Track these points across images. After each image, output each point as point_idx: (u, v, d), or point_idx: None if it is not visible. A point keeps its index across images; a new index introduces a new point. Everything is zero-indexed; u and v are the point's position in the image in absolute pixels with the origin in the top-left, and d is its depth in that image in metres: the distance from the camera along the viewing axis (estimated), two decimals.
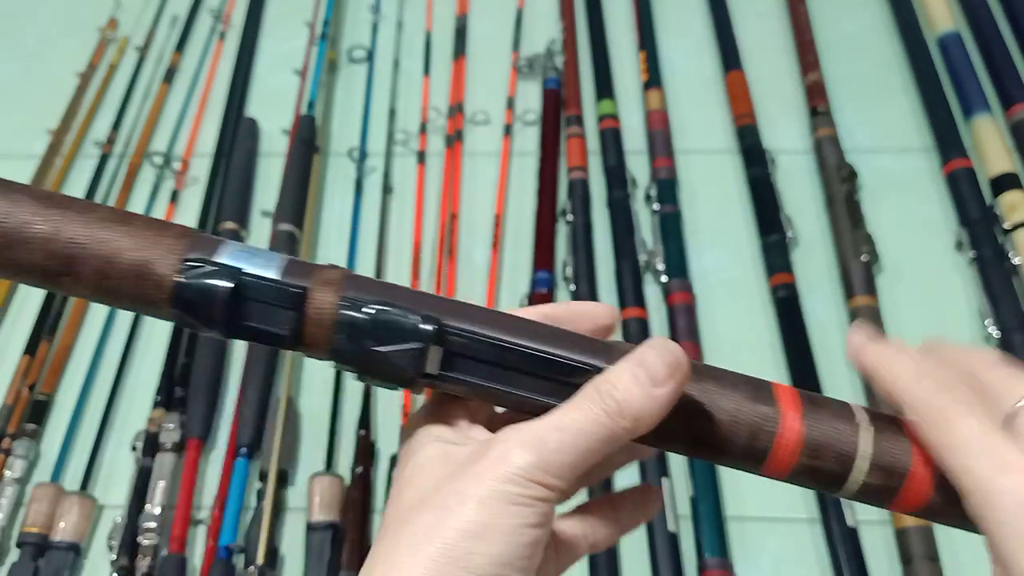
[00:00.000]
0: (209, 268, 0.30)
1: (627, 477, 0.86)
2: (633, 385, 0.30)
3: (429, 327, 0.31)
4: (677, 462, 0.87)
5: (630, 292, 0.97)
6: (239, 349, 0.97)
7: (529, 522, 0.29)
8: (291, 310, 0.31)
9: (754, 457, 0.32)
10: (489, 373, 0.32)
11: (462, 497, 0.29)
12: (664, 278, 0.98)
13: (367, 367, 0.31)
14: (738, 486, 0.86)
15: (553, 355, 0.32)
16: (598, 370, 0.31)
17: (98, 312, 1.01)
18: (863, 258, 0.96)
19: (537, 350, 0.32)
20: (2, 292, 1.02)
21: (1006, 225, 0.96)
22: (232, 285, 0.30)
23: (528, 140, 1.13)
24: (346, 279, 0.32)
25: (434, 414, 0.34)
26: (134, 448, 0.89)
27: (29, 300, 1.02)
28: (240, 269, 0.30)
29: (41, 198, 0.30)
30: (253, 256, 0.31)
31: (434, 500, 0.29)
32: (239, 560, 0.82)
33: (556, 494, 0.30)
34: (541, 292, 0.98)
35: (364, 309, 0.31)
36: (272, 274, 0.31)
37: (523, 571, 0.29)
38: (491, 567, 0.28)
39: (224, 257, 0.31)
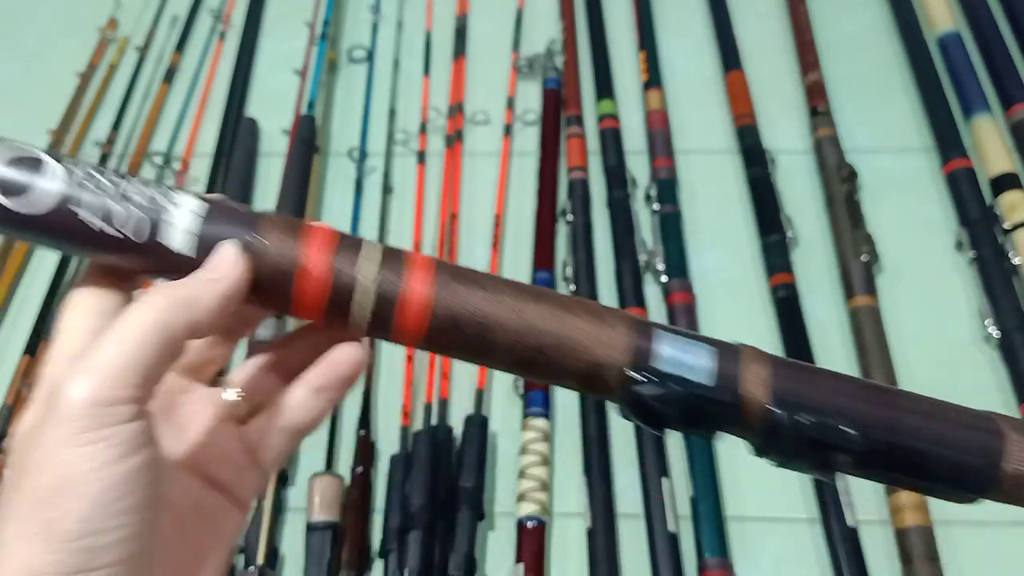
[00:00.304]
0: (655, 389, 0.32)
1: (628, 476, 0.86)
2: (184, 282, 0.30)
3: (858, 443, 0.32)
4: (677, 462, 0.87)
5: (630, 292, 0.97)
6: (239, 349, 0.97)
7: (108, 458, 0.26)
8: (729, 412, 0.33)
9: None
10: (895, 467, 0.33)
11: (37, 466, 0.26)
12: (664, 278, 0.98)
13: (792, 460, 0.33)
14: (738, 486, 0.86)
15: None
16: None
17: None
18: (863, 258, 0.96)
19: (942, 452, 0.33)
20: (2, 292, 1.02)
21: (1006, 225, 0.96)
22: (674, 410, 0.33)
23: (528, 140, 1.13)
24: (774, 375, 0.33)
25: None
26: None
27: (29, 300, 1.02)
28: (680, 379, 0.32)
29: (521, 291, 0.33)
30: (685, 354, 0.33)
31: (20, 480, 0.27)
32: (239, 560, 0.82)
33: (131, 407, 0.27)
34: None
35: (799, 420, 0.32)
36: (707, 380, 0.33)
37: (127, 512, 0.26)
38: (86, 523, 0.25)
39: (664, 362, 0.33)
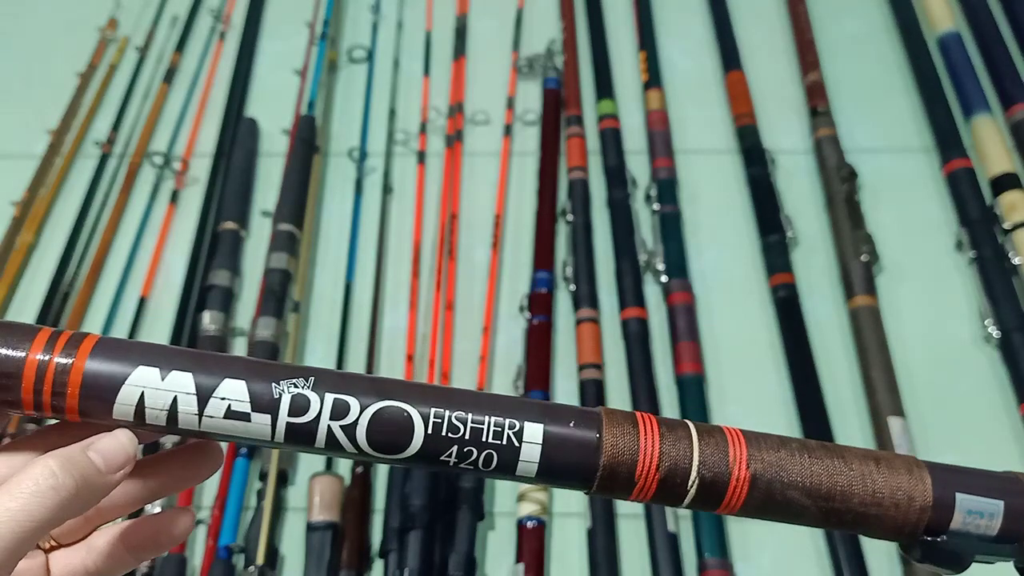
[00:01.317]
0: (945, 550, 0.35)
1: None
2: (87, 467, 0.30)
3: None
4: None
5: (630, 292, 0.97)
6: (239, 349, 0.97)
7: None
8: (1003, 552, 0.35)
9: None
10: None
11: None
12: (664, 278, 0.98)
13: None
14: None
15: None
16: None
17: (98, 312, 1.01)
18: (863, 258, 0.96)
19: None
20: (2, 292, 1.02)
21: (1006, 225, 0.96)
22: (962, 561, 0.35)
23: (528, 140, 1.13)
24: None
25: None
26: None
27: (29, 300, 1.02)
28: (967, 537, 0.35)
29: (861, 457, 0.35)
30: (979, 514, 0.35)
31: None
32: (239, 560, 0.82)
33: None
34: (541, 292, 0.98)
35: None
36: (993, 531, 0.35)
37: None
38: None
39: (959, 521, 0.35)
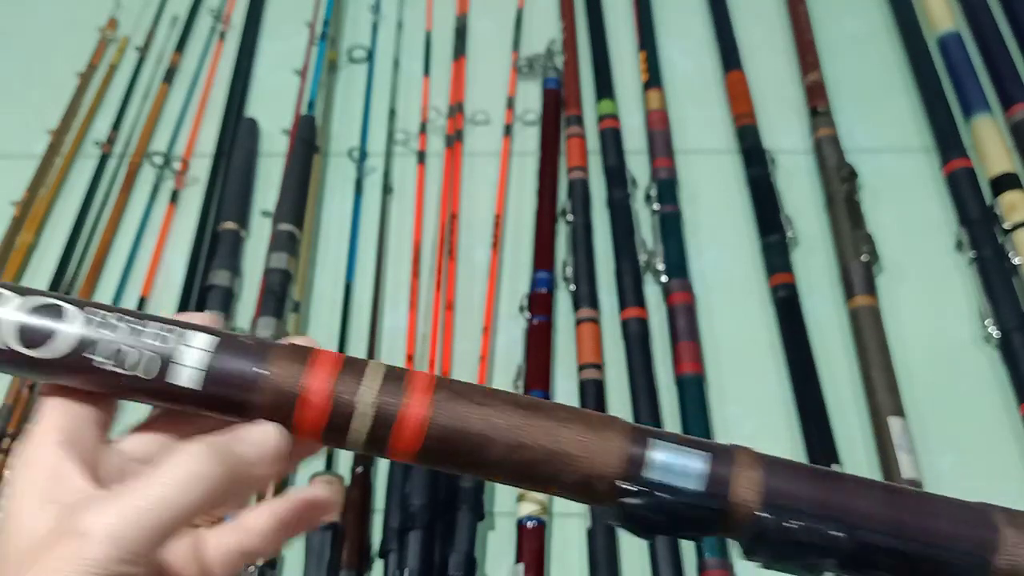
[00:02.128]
0: (644, 499, 0.33)
1: None
2: (241, 461, 0.31)
3: (845, 545, 0.33)
4: None
5: (630, 292, 0.97)
6: None
7: None
8: (717, 518, 0.33)
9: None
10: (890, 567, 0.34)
11: None
12: (664, 278, 0.98)
13: (780, 563, 0.34)
14: None
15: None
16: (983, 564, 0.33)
17: None
18: (863, 258, 0.96)
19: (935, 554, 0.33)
20: None
21: (1006, 225, 0.96)
22: (662, 519, 0.33)
23: (528, 140, 1.13)
24: (766, 479, 0.33)
25: (65, 422, 0.32)
26: None
27: None
28: (670, 487, 0.33)
29: (516, 407, 0.34)
30: (677, 462, 0.34)
31: None
32: None
33: (146, 562, 0.29)
34: (541, 292, 0.98)
35: (785, 524, 0.33)
36: (697, 487, 0.33)
37: None
38: None
39: (655, 471, 0.33)
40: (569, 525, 0.85)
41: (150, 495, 0.29)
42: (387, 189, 1.09)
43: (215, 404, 0.33)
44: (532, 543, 0.82)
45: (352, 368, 0.34)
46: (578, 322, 0.95)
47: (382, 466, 0.88)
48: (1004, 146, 1.02)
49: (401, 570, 0.78)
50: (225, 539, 0.34)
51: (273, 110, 1.17)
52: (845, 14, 1.22)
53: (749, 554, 0.34)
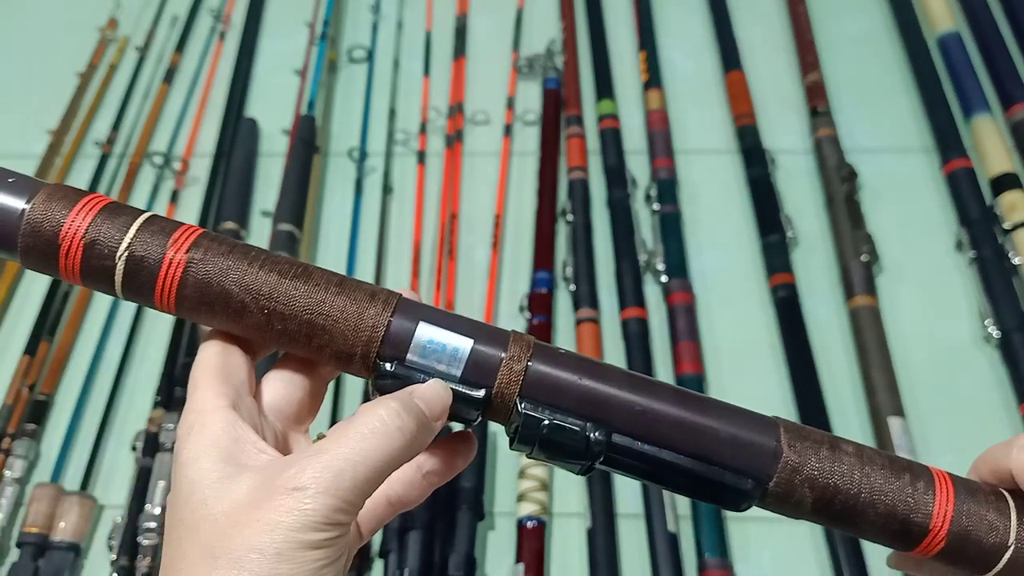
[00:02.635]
0: (395, 381, 0.33)
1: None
2: (419, 421, 0.32)
3: (598, 446, 0.33)
4: None
5: (630, 292, 0.97)
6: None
7: (329, 561, 0.29)
8: (476, 409, 0.34)
9: (904, 538, 0.33)
10: (644, 473, 0.34)
11: (260, 553, 0.28)
12: (664, 278, 0.98)
13: (541, 454, 0.34)
14: None
15: (711, 473, 0.33)
16: (757, 485, 0.33)
17: (98, 312, 1.01)
18: (863, 258, 0.96)
19: (695, 469, 0.33)
20: (2, 292, 1.02)
21: (1006, 225, 0.96)
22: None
23: (528, 140, 1.13)
24: (525, 381, 0.33)
25: (223, 388, 0.33)
26: (134, 448, 0.89)
27: (29, 300, 1.02)
28: (428, 369, 0.33)
29: (283, 265, 0.34)
30: (440, 343, 0.34)
31: (228, 554, 0.29)
32: None
33: (350, 521, 0.30)
34: (541, 292, 0.98)
35: (543, 424, 0.33)
36: (456, 371, 0.33)
37: None
38: None
39: (416, 350, 0.33)
40: (569, 525, 0.85)
41: (356, 449, 0.30)
42: (387, 189, 1.09)
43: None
44: (532, 543, 0.82)
45: (117, 214, 0.33)
46: (578, 322, 0.95)
47: None
48: (1004, 146, 1.02)
49: (401, 570, 0.78)
50: (376, 494, 0.35)
51: (273, 110, 1.17)
52: (845, 14, 1.22)
53: (511, 445, 0.34)
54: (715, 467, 0.33)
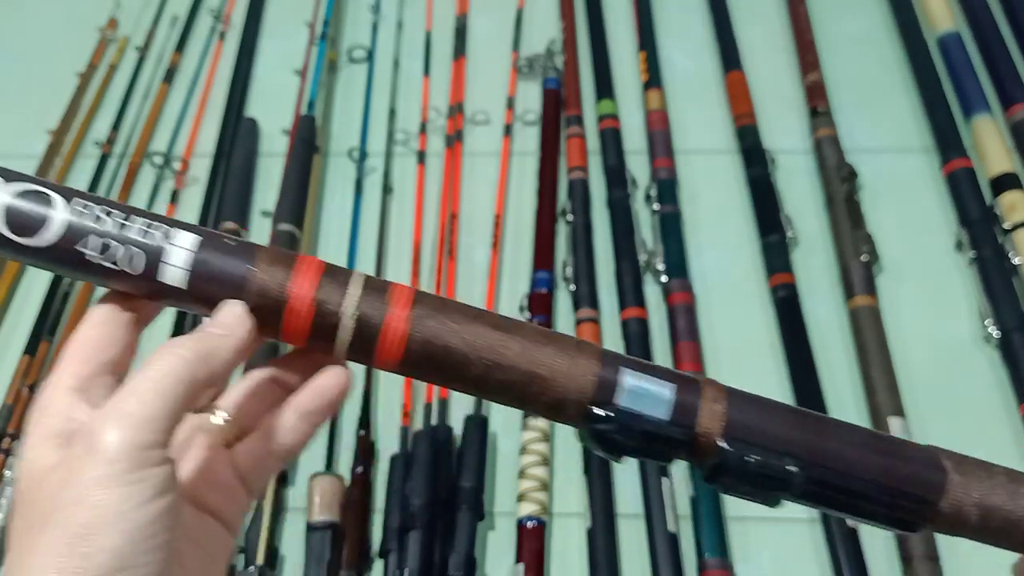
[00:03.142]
0: (614, 424, 0.35)
1: (628, 476, 0.86)
2: (199, 335, 0.32)
3: (798, 479, 0.35)
4: (677, 462, 0.87)
5: (630, 292, 0.97)
6: None
7: (142, 499, 0.28)
8: (682, 446, 0.36)
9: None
10: (839, 504, 0.36)
11: (73, 504, 0.28)
12: (664, 278, 0.98)
13: (741, 489, 0.36)
14: None
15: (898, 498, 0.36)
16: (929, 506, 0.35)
17: None
18: (863, 258, 0.96)
19: (883, 497, 0.36)
20: (2, 292, 1.02)
21: (1006, 225, 0.96)
22: (630, 442, 0.35)
23: (528, 140, 1.13)
24: (727, 423, 0.35)
25: (79, 367, 0.32)
26: None
27: (29, 300, 1.02)
28: (637, 415, 0.35)
29: (496, 325, 0.35)
30: (646, 391, 0.35)
31: (53, 516, 0.28)
32: (239, 560, 0.82)
33: (159, 451, 0.29)
34: (541, 292, 0.98)
35: (747, 460, 0.35)
36: (663, 415, 0.35)
37: (156, 549, 0.28)
38: (118, 559, 0.27)
39: (625, 397, 0.35)
40: (569, 525, 0.85)
41: (140, 387, 0.30)
42: (387, 189, 1.09)
43: (201, 301, 0.34)
44: (532, 543, 0.82)
45: (334, 274, 0.34)
46: (578, 322, 0.95)
47: (382, 466, 0.88)
48: (1004, 146, 1.02)
49: (401, 570, 0.78)
50: (253, 446, 0.36)
51: (273, 110, 1.17)
52: (845, 14, 1.22)
53: (709, 481, 0.36)
54: (901, 493, 0.36)
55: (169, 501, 0.29)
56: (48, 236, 0.33)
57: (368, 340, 0.34)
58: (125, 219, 0.33)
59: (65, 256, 0.33)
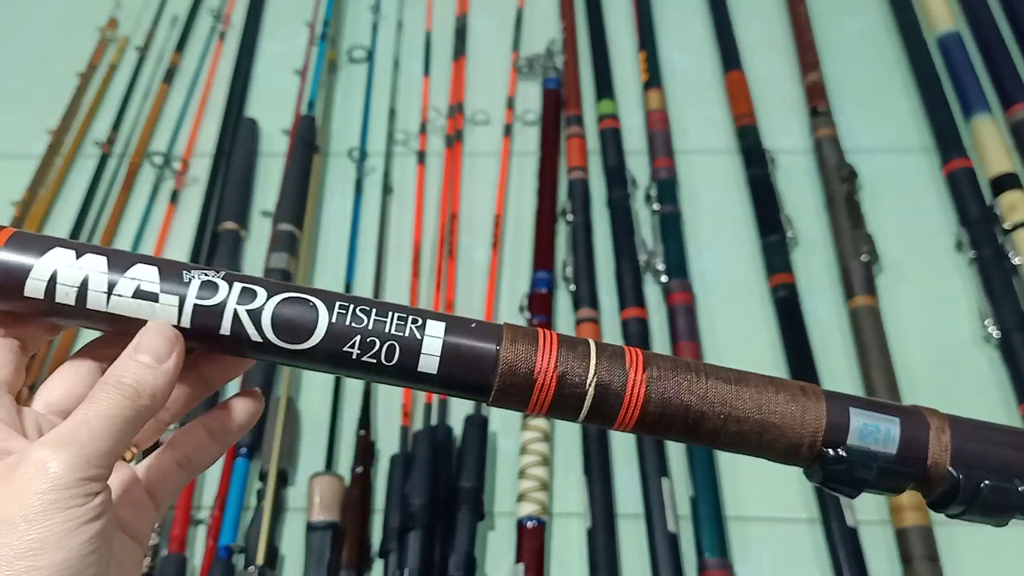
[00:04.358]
0: (846, 463, 0.36)
1: (628, 476, 0.86)
2: (140, 368, 0.33)
3: None
4: (677, 462, 0.87)
5: (630, 292, 0.97)
6: None
7: (84, 519, 0.30)
8: (913, 477, 0.36)
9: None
10: None
11: (10, 522, 0.29)
12: (664, 278, 0.98)
13: (976, 513, 0.37)
14: (738, 486, 0.86)
15: None
16: None
17: None
18: (863, 258, 0.96)
19: None
20: None
21: (1006, 225, 0.96)
22: (863, 479, 0.36)
23: (528, 140, 1.13)
24: (953, 451, 0.37)
25: None
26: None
27: None
28: (869, 453, 0.36)
29: (724, 379, 0.36)
30: (874, 429, 0.36)
31: (2, 530, 0.29)
32: (239, 560, 0.82)
33: (102, 482, 0.31)
34: (541, 292, 0.98)
35: (982, 486, 0.36)
36: (892, 450, 0.36)
37: (95, 564, 0.30)
38: (62, 573, 0.29)
39: (854, 436, 0.36)
40: (569, 525, 0.85)
41: (87, 409, 0.32)
42: (387, 189, 1.09)
43: (453, 386, 0.35)
44: (532, 543, 0.82)
45: (572, 345, 0.36)
46: (578, 322, 0.95)
47: (382, 466, 0.88)
48: (1004, 146, 1.02)
49: (401, 570, 0.78)
50: (162, 460, 0.37)
51: (273, 110, 1.17)
52: (845, 14, 1.22)
53: (937, 508, 0.37)
54: None
55: (108, 519, 0.31)
56: (313, 340, 0.34)
57: (608, 404, 0.35)
58: (381, 315, 0.35)
59: (329, 356, 0.35)
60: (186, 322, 0.34)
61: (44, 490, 0.29)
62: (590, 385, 0.35)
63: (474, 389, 0.35)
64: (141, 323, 0.34)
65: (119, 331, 0.35)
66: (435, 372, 0.35)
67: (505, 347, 0.35)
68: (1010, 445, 0.37)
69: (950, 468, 0.36)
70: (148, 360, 0.33)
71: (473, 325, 0.36)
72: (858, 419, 0.36)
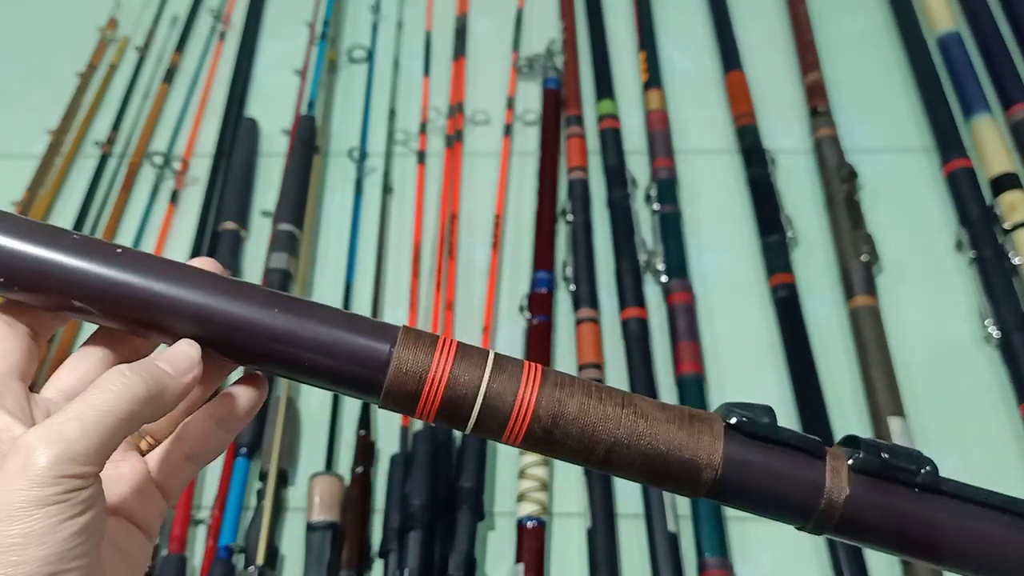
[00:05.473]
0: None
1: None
2: (157, 370, 0.33)
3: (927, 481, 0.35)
4: None
5: (630, 292, 0.97)
6: None
7: (67, 515, 0.29)
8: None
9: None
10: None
11: (5, 517, 0.29)
12: (664, 278, 0.98)
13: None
14: None
15: None
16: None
17: None
18: (863, 258, 0.96)
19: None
20: None
21: (1006, 225, 0.96)
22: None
23: (528, 140, 1.13)
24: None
25: None
26: None
27: None
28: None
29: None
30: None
31: None
32: (239, 560, 0.82)
33: (88, 478, 0.30)
34: (541, 292, 0.98)
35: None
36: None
37: (81, 557, 0.30)
38: (46, 568, 0.29)
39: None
40: (569, 525, 0.85)
41: (83, 404, 0.31)
42: (387, 189, 1.09)
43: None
44: (532, 543, 0.82)
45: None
46: (578, 322, 0.95)
47: (382, 466, 0.88)
48: (1004, 146, 1.02)
49: (401, 570, 0.78)
50: (170, 452, 0.36)
51: (273, 110, 1.17)
52: (845, 14, 1.22)
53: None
54: None
55: (95, 514, 0.30)
56: None
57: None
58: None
59: None
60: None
61: (25, 486, 0.29)
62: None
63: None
64: (152, 320, 0.34)
65: (131, 331, 0.35)
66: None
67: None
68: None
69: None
70: (167, 367, 0.33)
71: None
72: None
